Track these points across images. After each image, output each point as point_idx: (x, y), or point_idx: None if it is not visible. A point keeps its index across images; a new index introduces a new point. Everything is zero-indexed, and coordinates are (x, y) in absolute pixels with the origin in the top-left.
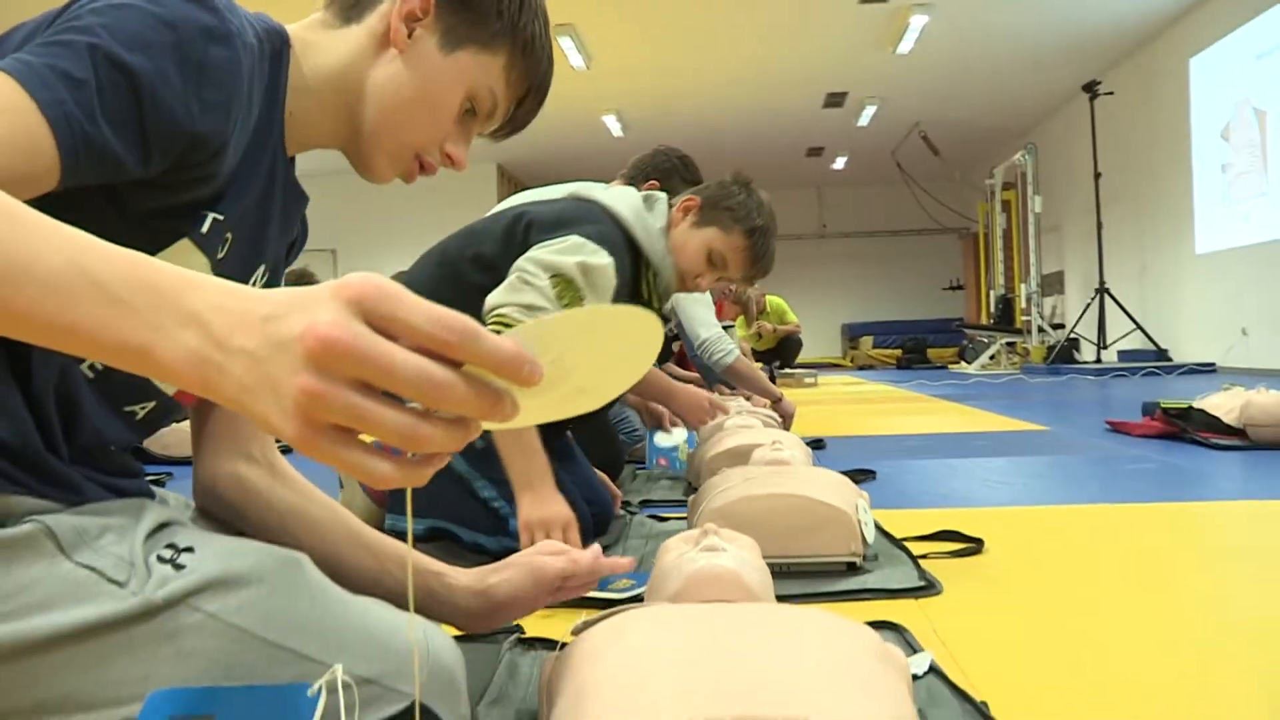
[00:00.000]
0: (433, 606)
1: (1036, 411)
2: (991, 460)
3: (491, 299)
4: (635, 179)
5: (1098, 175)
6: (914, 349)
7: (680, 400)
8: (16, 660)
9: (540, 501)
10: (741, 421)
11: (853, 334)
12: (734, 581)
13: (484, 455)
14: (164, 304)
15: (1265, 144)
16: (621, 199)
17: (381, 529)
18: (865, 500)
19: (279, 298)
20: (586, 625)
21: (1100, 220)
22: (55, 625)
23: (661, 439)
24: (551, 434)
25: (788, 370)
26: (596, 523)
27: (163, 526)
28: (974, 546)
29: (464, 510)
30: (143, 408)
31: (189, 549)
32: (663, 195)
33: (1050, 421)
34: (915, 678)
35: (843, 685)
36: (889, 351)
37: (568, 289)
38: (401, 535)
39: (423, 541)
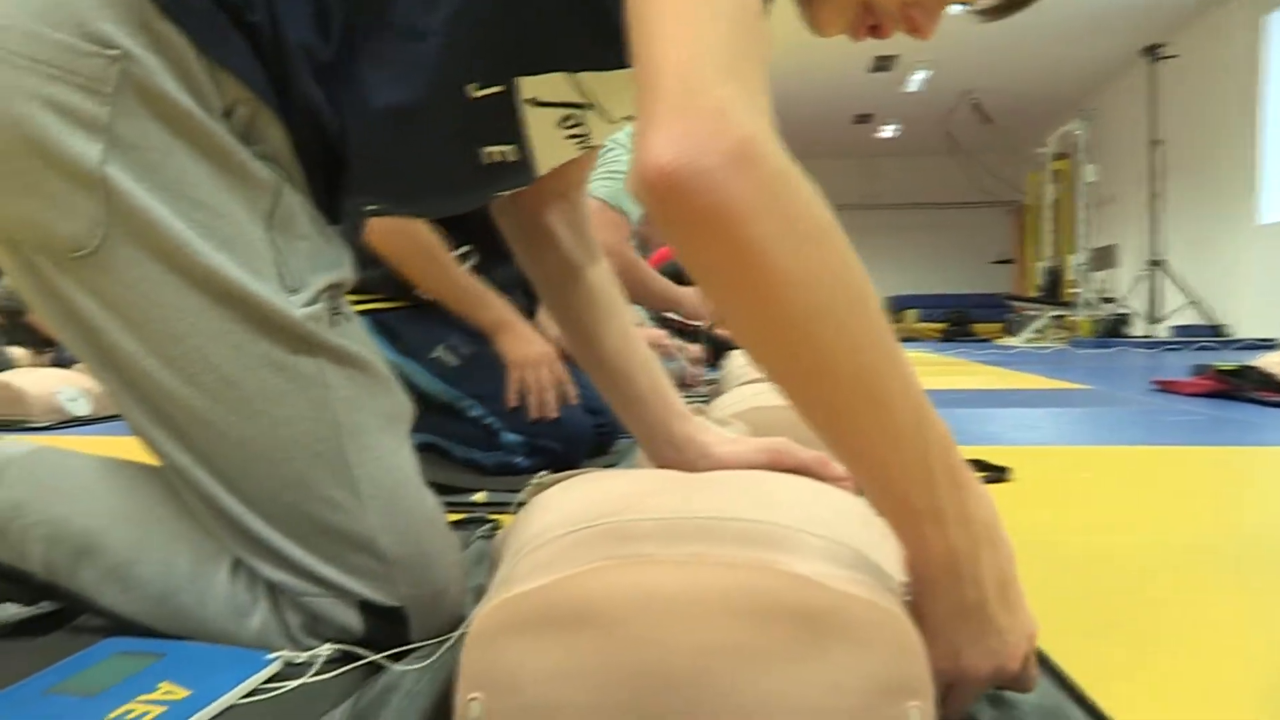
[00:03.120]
0: (657, 451)
1: (1081, 375)
2: (1029, 410)
3: None
4: None
5: (1154, 143)
6: (958, 322)
7: (689, 302)
8: (172, 269)
9: (520, 340)
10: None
11: (898, 307)
12: None
13: (461, 374)
14: (955, 499)
15: None
16: None
17: None
18: None
19: (1017, 596)
20: (540, 487)
21: (1155, 190)
22: (218, 266)
23: None
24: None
25: None
26: (601, 438)
27: (341, 290)
28: (999, 475)
29: (457, 430)
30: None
31: (349, 319)
32: None
33: (1095, 382)
34: None
35: (810, 522)
36: (934, 325)
37: None
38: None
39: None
